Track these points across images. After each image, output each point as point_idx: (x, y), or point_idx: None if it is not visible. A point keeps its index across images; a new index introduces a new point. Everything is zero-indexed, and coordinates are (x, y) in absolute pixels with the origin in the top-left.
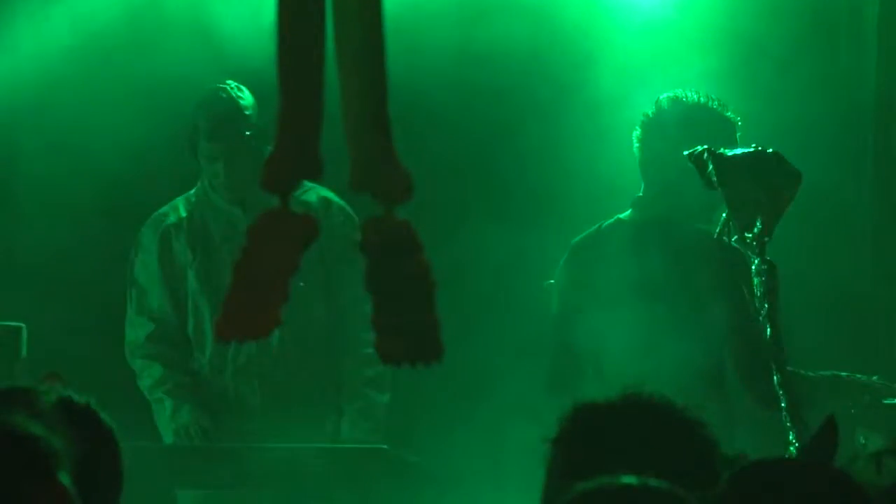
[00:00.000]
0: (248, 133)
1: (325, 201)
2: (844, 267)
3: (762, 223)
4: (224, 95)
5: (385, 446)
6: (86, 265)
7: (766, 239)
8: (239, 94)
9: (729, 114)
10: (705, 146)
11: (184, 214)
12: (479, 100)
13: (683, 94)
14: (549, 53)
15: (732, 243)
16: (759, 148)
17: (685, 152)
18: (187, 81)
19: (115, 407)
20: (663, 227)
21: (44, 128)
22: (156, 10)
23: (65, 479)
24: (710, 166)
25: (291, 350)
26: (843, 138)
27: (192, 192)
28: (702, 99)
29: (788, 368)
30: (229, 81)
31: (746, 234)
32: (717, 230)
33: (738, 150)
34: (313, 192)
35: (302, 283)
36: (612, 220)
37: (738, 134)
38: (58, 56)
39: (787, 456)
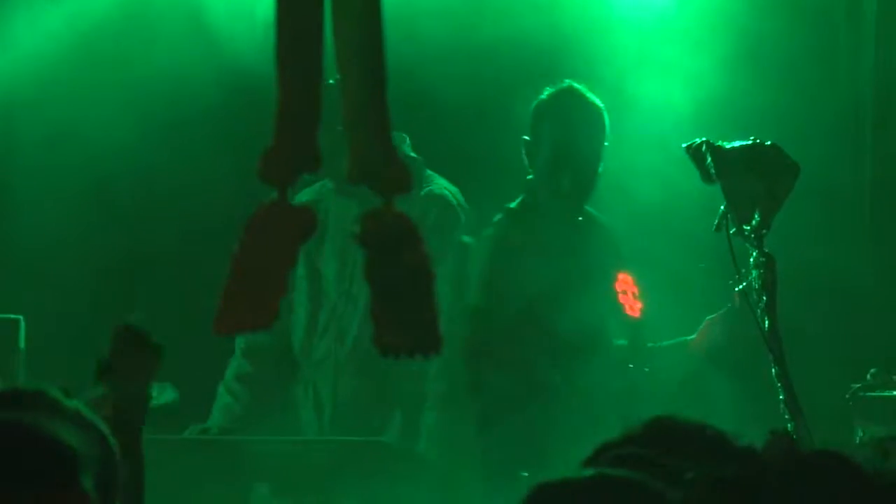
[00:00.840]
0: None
1: (431, 196)
2: (843, 259)
3: (760, 216)
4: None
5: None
6: (83, 257)
7: (765, 231)
8: None
9: (595, 99)
10: (704, 139)
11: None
12: (481, 92)
13: (560, 84)
14: (551, 45)
15: (731, 236)
16: (758, 140)
17: (683, 145)
18: (183, 76)
19: None
20: (549, 210)
21: (41, 122)
22: (151, 4)
23: (87, 483)
24: (709, 159)
25: (364, 344)
26: (842, 132)
27: (324, 181)
28: (577, 87)
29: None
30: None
31: (745, 227)
32: (715, 223)
33: (737, 143)
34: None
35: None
36: (507, 209)
37: (606, 119)
38: (55, 50)
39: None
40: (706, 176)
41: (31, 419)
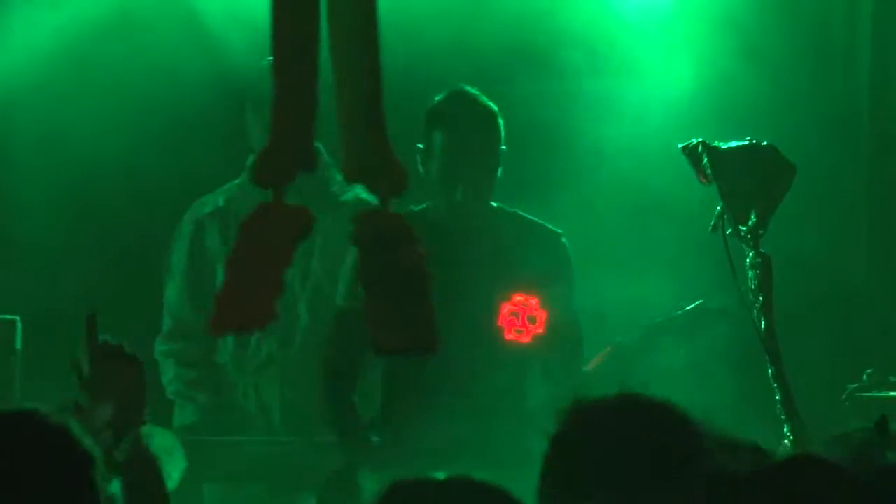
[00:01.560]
0: None
1: (359, 201)
2: (838, 259)
3: (757, 216)
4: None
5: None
6: (78, 258)
7: (761, 232)
8: None
9: (487, 102)
10: (700, 139)
11: (221, 204)
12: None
13: (452, 88)
14: (547, 45)
15: (727, 236)
16: (754, 141)
17: (679, 146)
18: (177, 76)
19: None
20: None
21: (37, 122)
22: (146, 4)
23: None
24: (705, 159)
25: (313, 348)
26: (839, 128)
27: (237, 181)
28: (462, 89)
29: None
30: None
31: (741, 227)
32: (712, 223)
33: (733, 143)
34: (351, 192)
35: (326, 282)
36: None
37: (500, 121)
38: (52, 51)
39: (780, 449)
40: (702, 176)
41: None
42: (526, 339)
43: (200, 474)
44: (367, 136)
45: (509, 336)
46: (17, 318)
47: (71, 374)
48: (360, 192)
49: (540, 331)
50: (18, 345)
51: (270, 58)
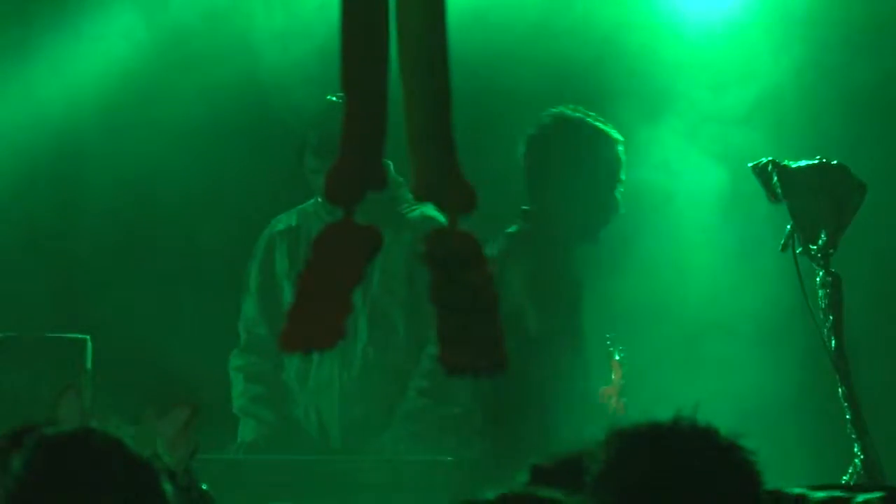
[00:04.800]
0: None
1: (424, 218)
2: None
3: (826, 235)
4: (336, 113)
5: (449, 458)
6: (139, 277)
7: (831, 251)
8: None
9: (611, 131)
10: (770, 158)
11: (293, 223)
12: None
13: (568, 111)
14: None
15: (797, 255)
16: (824, 160)
17: (749, 164)
18: (221, 98)
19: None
20: (556, 243)
21: (107, 154)
22: (192, 27)
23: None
24: (775, 178)
25: (373, 369)
26: None
27: (311, 200)
28: (586, 116)
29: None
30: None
31: (811, 247)
32: (782, 242)
33: (803, 163)
34: (418, 210)
35: (384, 302)
36: (506, 233)
37: (620, 148)
38: (116, 76)
39: (850, 468)
40: (772, 195)
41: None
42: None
43: (256, 492)
44: (437, 156)
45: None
46: (88, 337)
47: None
48: (426, 209)
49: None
50: (89, 364)
51: (331, 97)
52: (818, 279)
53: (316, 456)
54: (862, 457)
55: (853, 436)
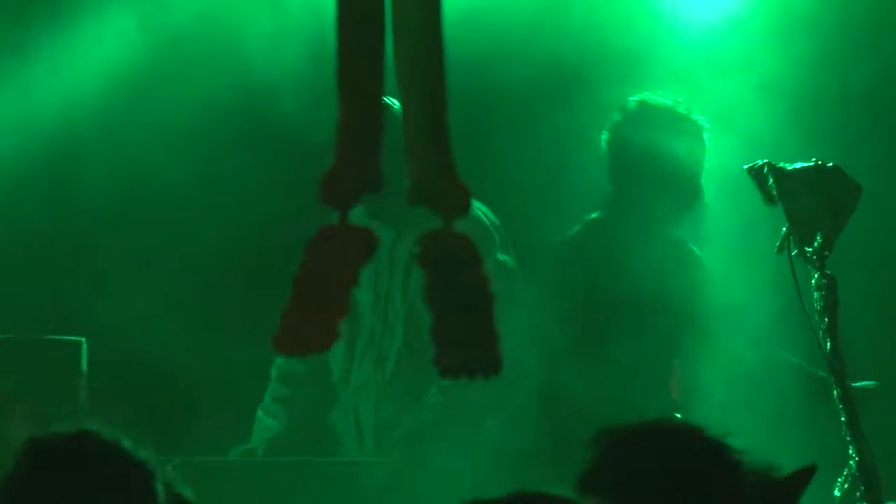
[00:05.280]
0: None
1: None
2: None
3: (822, 237)
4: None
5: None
6: (152, 272)
7: (827, 253)
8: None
9: (696, 117)
10: (766, 160)
11: None
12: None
13: (651, 97)
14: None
15: (793, 257)
16: (819, 161)
17: (744, 166)
18: (214, 104)
19: (184, 419)
20: (639, 229)
21: (106, 157)
22: (186, 31)
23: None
24: (770, 180)
25: (406, 369)
26: None
27: None
28: (670, 102)
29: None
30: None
31: (807, 249)
32: (777, 244)
33: (798, 164)
34: None
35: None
36: (587, 220)
37: (705, 135)
38: (112, 77)
39: (845, 471)
40: (768, 197)
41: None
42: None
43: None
44: (431, 158)
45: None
46: (83, 339)
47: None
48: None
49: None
50: (84, 366)
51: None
52: (813, 281)
53: (306, 458)
54: (857, 459)
55: (848, 438)
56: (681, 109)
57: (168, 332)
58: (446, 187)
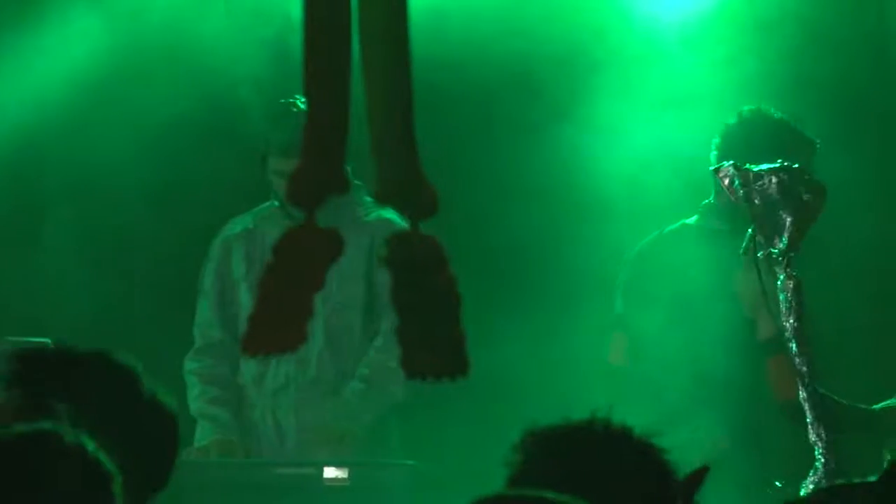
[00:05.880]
0: None
1: (381, 220)
2: (868, 277)
3: (788, 238)
4: (296, 110)
5: (411, 462)
6: (107, 279)
7: (792, 254)
8: None
9: (810, 135)
10: (731, 161)
11: (250, 225)
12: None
13: (768, 109)
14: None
15: (758, 258)
16: (785, 163)
17: (710, 167)
18: (191, 117)
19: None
20: (733, 237)
21: (64, 148)
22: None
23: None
24: (736, 182)
25: (328, 372)
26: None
27: (267, 203)
28: (785, 117)
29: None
30: (299, 96)
31: (772, 250)
32: (743, 245)
33: (764, 166)
34: (375, 212)
35: (342, 305)
36: (677, 225)
37: (815, 157)
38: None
39: (812, 473)
40: (734, 199)
41: (71, 434)
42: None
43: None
44: (399, 158)
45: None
46: (48, 340)
47: None
48: (383, 211)
49: None
50: None
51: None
52: (779, 282)
53: (269, 459)
54: (823, 461)
55: (813, 439)
56: (795, 125)
57: (128, 332)
58: (414, 188)
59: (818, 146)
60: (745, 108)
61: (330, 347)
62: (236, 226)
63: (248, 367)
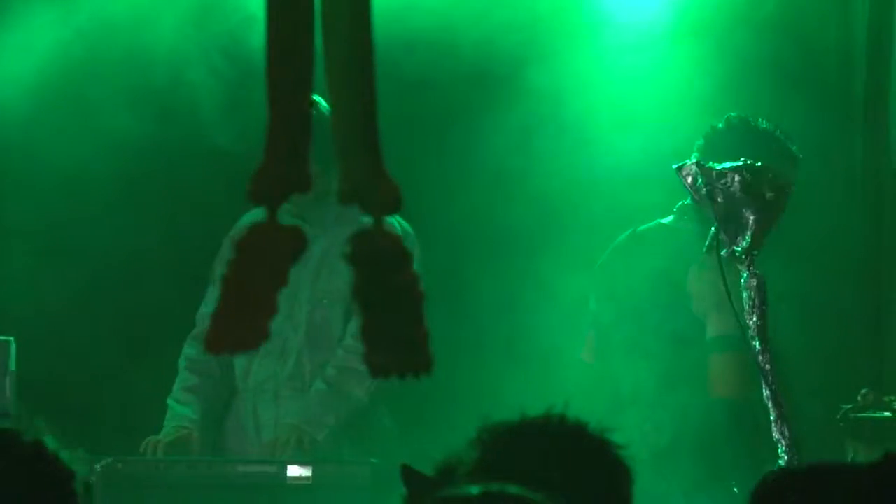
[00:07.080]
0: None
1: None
2: (831, 275)
3: (751, 236)
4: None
5: (374, 460)
6: (68, 282)
7: (755, 252)
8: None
9: (794, 148)
10: (694, 160)
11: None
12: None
13: (754, 119)
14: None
15: (721, 256)
16: (748, 161)
17: (673, 165)
18: (157, 115)
19: (109, 422)
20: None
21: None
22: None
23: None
24: (700, 180)
25: (306, 367)
26: (832, 147)
27: None
28: (771, 128)
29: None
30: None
31: (735, 248)
32: (706, 243)
33: (727, 164)
34: None
35: (325, 301)
36: (652, 224)
37: (797, 170)
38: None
39: (775, 469)
40: (697, 196)
41: (32, 433)
42: None
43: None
44: (362, 157)
45: None
46: (12, 338)
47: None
48: None
49: None
50: (13, 366)
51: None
52: (742, 280)
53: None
54: (785, 458)
55: (775, 437)
56: (780, 135)
57: (96, 331)
58: (377, 186)
59: (801, 160)
60: (733, 114)
61: (310, 343)
62: (248, 218)
63: (239, 361)
